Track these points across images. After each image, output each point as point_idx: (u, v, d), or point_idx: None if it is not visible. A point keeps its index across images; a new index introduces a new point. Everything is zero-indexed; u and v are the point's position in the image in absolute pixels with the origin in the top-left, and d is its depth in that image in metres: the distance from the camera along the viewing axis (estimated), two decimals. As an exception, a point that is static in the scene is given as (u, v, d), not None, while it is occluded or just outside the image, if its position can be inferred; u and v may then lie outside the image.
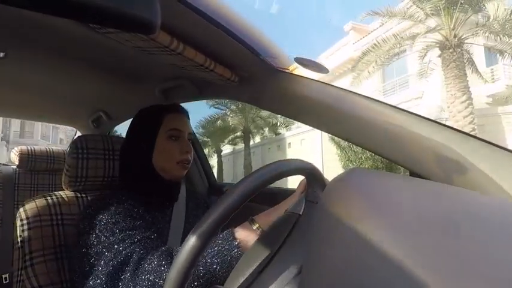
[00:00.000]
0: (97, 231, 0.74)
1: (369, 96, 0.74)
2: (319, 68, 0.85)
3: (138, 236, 0.73)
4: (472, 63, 9.14)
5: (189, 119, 0.98)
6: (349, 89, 0.77)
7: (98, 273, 0.69)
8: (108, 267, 0.68)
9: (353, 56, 14.14)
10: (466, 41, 8.89)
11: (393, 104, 0.69)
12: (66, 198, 0.95)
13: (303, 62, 0.85)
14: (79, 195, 0.98)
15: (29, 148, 1.84)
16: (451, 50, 8.74)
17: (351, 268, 0.30)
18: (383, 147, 0.67)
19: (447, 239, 0.28)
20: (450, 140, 0.59)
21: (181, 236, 0.89)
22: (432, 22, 9.28)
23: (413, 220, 0.31)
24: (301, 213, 0.57)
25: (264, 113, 15.53)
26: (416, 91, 12.14)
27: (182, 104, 1.04)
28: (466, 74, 8.79)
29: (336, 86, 0.78)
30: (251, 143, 17.38)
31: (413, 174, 0.62)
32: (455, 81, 8.68)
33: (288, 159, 0.60)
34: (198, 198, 1.07)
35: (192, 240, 0.47)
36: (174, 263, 0.47)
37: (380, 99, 0.72)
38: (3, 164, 1.89)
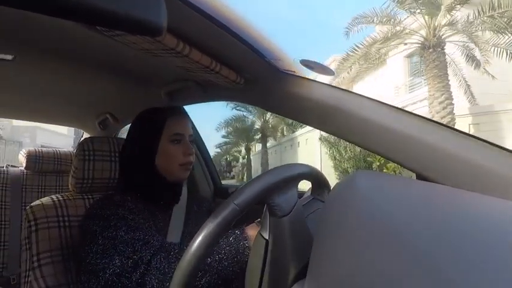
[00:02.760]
0: (101, 230, 0.75)
1: (375, 98, 0.74)
2: (325, 70, 0.85)
3: (142, 236, 0.74)
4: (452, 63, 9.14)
5: (190, 120, 0.98)
6: (355, 91, 0.77)
7: (104, 274, 0.70)
8: (115, 269, 0.69)
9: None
10: (447, 40, 8.89)
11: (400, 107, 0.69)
12: (72, 200, 0.95)
13: (308, 64, 0.85)
14: (85, 196, 0.98)
15: (37, 150, 1.86)
16: (430, 50, 8.70)
17: (357, 270, 0.30)
18: (389, 149, 0.66)
19: (454, 243, 0.28)
20: (457, 142, 0.59)
21: (180, 238, 0.90)
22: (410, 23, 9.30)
23: (419, 224, 0.31)
24: (268, 238, 0.56)
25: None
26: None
27: (188, 106, 1.05)
28: (446, 74, 8.72)
29: (341, 88, 0.78)
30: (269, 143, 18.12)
31: (420, 177, 0.62)
32: (434, 82, 8.60)
33: (291, 164, 0.60)
34: (200, 202, 1.07)
35: (198, 241, 0.49)
36: (182, 260, 0.49)
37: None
38: (12, 166, 1.91)
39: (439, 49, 8.70)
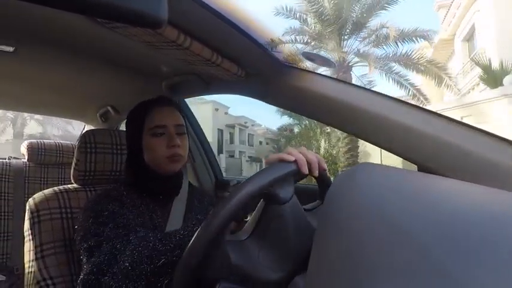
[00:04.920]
0: (89, 226, 0.75)
1: (378, 91, 0.73)
2: (327, 63, 0.85)
3: (125, 232, 0.74)
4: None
5: (177, 109, 0.93)
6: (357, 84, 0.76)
7: (85, 270, 0.69)
8: (93, 266, 0.68)
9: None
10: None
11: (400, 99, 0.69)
12: (75, 192, 0.96)
13: (310, 56, 0.85)
14: (88, 189, 0.99)
15: (39, 142, 1.87)
16: (340, 74, 10.60)
17: (358, 264, 0.30)
18: (391, 141, 0.66)
19: (457, 236, 0.28)
20: (459, 133, 0.59)
21: None
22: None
23: (421, 217, 0.31)
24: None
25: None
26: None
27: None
28: None
29: (343, 81, 0.78)
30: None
31: (421, 168, 0.62)
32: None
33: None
34: (202, 196, 1.05)
35: (201, 233, 0.50)
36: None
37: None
38: (14, 158, 1.92)
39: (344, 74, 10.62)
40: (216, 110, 15.25)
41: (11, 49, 0.97)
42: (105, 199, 0.81)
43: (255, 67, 0.89)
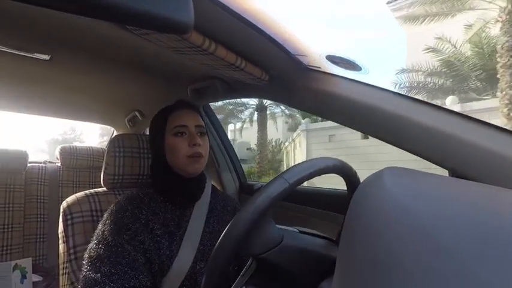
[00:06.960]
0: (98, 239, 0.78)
1: (403, 93, 0.71)
2: (352, 66, 0.83)
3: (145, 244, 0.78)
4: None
5: (197, 112, 0.97)
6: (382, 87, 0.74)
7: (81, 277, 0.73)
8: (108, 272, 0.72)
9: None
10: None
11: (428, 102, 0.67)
12: (105, 195, 0.99)
13: (334, 59, 0.84)
14: (117, 192, 1.02)
15: (71, 146, 1.95)
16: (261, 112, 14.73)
17: (384, 271, 0.29)
18: (418, 146, 0.64)
19: (487, 243, 0.26)
20: (494, 138, 0.56)
21: (201, 236, 0.89)
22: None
23: (451, 223, 0.29)
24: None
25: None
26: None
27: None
28: (265, 124, 14.91)
29: (367, 84, 0.76)
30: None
31: (454, 174, 0.59)
32: (261, 128, 14.83)
33: (323, 158, 0.60)
34: (226, 201, 1.04)
35: (230, 231, 0.50)
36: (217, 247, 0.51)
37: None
38: (49, 162, 2.01)
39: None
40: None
41: (46, 57, 1.02)
42: (126, 207, 0.83)
43: (279, 71, 0.89)
